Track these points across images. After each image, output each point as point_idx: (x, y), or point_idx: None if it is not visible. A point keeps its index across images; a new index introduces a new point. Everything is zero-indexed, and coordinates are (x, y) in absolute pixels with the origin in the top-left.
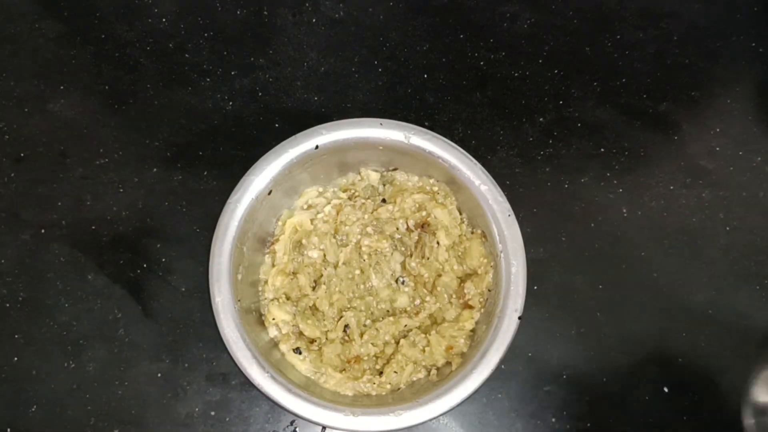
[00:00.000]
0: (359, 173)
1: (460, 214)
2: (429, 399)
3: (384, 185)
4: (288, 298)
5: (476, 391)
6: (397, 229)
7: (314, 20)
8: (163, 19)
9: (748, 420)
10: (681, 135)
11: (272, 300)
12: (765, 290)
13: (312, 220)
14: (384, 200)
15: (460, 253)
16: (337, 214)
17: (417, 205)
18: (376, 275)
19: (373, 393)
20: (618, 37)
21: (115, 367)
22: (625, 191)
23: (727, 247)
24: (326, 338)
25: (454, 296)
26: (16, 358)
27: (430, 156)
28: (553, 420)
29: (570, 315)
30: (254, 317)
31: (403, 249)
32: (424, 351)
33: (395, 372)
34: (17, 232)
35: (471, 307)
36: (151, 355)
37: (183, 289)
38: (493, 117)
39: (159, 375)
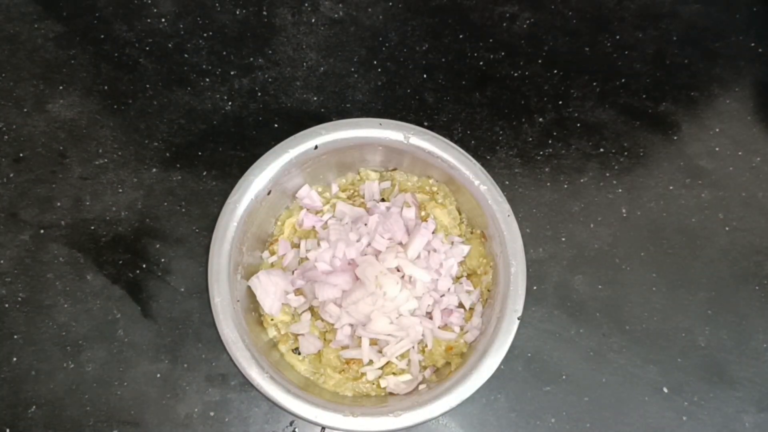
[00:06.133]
0: (358, 173)
1: (460, 214)
2: (428, 399)
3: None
4: None
5: (476, 392)
6: None
7: (313, 20)
8: (163, 19)
9: None
10: (680, 135)
11: None
12: (764, 290)
13: None
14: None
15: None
16: None
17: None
18: None
19: (373, 393)
20: (617, 37)
21: (114, 368)
22: (625, 191)
23: (727, 248)
24: (325, 339)
25: None
26: (15, 359)
27: (430, 156)
28: (553, 420)
29: (569, 315)
30: (253, 317)
31: None
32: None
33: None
34: (16, 232)
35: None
36: (151, 355)
37: (182, 290)
38: (492, 117)
39: (158, 375)
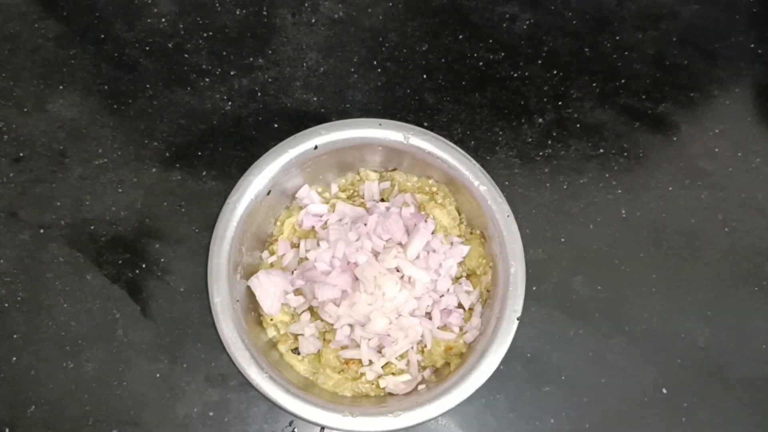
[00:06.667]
0: (358, 173)
1: (459, 214)
2: (427, 400)
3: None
4: None
5: (475, 392)
6: None
7: (314, 20)
8: (163, 19)
9: None
10: (680, 136)
11: None
12: (764, 291)
13: None
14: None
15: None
16: None
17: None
18: None
19: (372, 394)
20: (617, 38)
21: (113, 368)
22: (624, 192)
23: (726, 249)
24: (324, 339)
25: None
26: (14, 358)
27: (429, 156)
28: (552, 421)
29: (569, 316)
30: (253, 317)
31: None
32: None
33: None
34: (16, 232)
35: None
36: (150, 355)
37: (182, 290)
38: (492, 118)
39: (158, 375)
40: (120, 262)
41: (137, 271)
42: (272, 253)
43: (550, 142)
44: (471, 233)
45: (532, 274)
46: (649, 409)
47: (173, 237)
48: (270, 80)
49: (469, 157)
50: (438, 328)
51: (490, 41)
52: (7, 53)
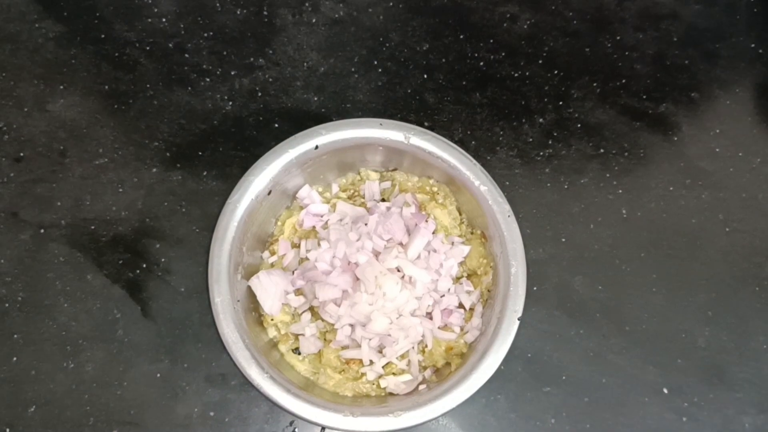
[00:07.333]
0: (359, 173)
1: (460, 214)
2: (428, 400)
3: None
4: None
5: (476, 392)
6: None
7: (314, 20)
8: (163, 19)
9: None
10: (680, 136)
11: None
12: (764, 291)
13: None
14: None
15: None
16: None
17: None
18: None
19: (373, 394)
20: (618, 38)
21: (114, 368)
22: (625, 192)
23: (727, 249)
24: (325, 339)
25: None
26: (15, 358)
27: (430, 156)
28: (553, 421)
29: (569, 316)
30: (253, 317)
31: None
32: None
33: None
34: (16, 232)
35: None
36: (150, 355)
37: (182, 290)
38: (492, 117)
39: (158, 375)
40: (120, 262)
41: (138, 271)
42: (273, 253)
43: (550, 142)
44: (472, 233)
45: (532, 274)
46: (649, 409)
47: (174, 237)
48: (271, 80)
49: (470, 157)
50: (439, 328)
51: (491, 41)
52: (7, 53)
